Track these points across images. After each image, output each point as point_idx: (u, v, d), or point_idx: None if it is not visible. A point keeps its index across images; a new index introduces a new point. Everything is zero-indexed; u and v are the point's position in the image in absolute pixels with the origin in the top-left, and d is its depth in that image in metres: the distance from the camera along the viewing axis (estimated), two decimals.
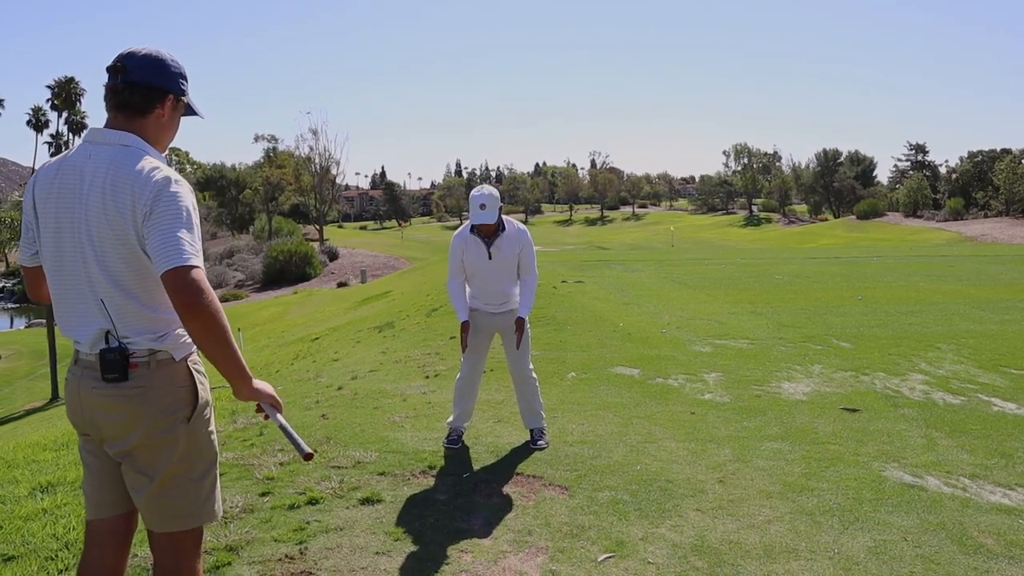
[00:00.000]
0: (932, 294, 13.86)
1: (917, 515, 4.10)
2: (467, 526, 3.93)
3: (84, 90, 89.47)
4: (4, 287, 63.25)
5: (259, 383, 2.31)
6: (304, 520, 3.92)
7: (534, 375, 5.25)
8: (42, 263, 2.34)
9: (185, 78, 2.38)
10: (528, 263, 5.09)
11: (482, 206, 4.85)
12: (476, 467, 4.79)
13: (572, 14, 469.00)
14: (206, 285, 2.08)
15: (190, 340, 2.28)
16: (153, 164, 2.20)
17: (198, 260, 2.10)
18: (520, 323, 5.08)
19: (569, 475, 4.63)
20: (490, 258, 4.98)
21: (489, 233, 4.97)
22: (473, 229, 5.00)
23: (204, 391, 2.33)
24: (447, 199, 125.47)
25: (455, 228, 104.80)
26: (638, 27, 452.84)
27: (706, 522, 3.99)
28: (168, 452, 2.25)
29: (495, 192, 4.95)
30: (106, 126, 2.29)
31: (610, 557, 3.58)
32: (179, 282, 2.04)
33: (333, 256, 58.80)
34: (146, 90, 2.28)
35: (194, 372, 2.30)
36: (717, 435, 5.53)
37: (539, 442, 5.14)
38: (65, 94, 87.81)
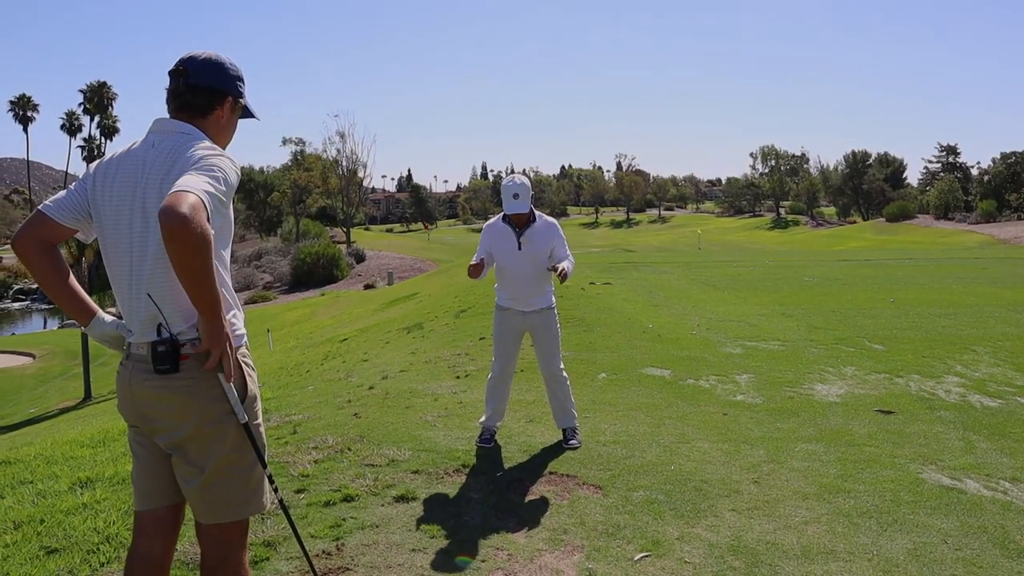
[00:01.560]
0: (966, 296, 13.67)
1: (957, 518, 4.05)
2: (502, 524, 3.94)
3: (116, 94, 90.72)
4: (38, 289, 64.22)
5: (226, 319, 2.20)
6: (340, 517, 3.95)
7: (565, 374, 5.24)
8: (103, 256, 2.36)
9: (243, 81, 2.47)
10: (563, 252, 5.10)
11: (515, 195, 4.88)
12: (509, 466, 4.80)
13: (599, 17, 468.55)
14: (197, 214, 1.95)
15: (241, 331, 2.32)
16: (209, 145, 2.26)
17: (202, 194, 2.02)
18: (559, 268, 4.87)
19: (603, 475, 4.62)
20: (519, 248, 4.99)
21: (520, 223, 4.99)
22: (505, 219, 5.03)
23: (253, 384, 2.37)
24: (473, 202, 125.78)
25: (481, 231, 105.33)
26: (664, 29, 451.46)
27: (742, 522, 3.96)
28: (218, 443, 2.27)
29: (527, 181, 4.98)
30: None
31: (646, 556, 3.56)
32: (166, 205, 1.94)
33: (360, 258, 59.09)
34: (206, 92, 2.36)
35: (243, 364, 2.33)
36: (750, 436, 5.49)
37: (571, 441, 5.13)
38: (98, 98, 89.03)
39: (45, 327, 51.10)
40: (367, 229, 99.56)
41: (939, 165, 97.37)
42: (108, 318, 2.41)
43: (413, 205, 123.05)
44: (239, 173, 2.27)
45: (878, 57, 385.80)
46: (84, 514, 4.30)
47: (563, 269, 4.88)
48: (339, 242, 63.25)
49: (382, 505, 4.13)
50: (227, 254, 2.33)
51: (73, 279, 2.37)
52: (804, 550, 3.64)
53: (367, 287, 46.39)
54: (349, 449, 5.05)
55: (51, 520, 4.23)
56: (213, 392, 2.26)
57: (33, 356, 34.43)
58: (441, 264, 49.83)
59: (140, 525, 2.42)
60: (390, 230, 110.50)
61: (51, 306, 59.27)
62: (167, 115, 2.37)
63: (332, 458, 4.87)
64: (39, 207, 2.34)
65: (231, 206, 2.25)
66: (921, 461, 4.97)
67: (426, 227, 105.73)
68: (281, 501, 2.62)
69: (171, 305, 2.23)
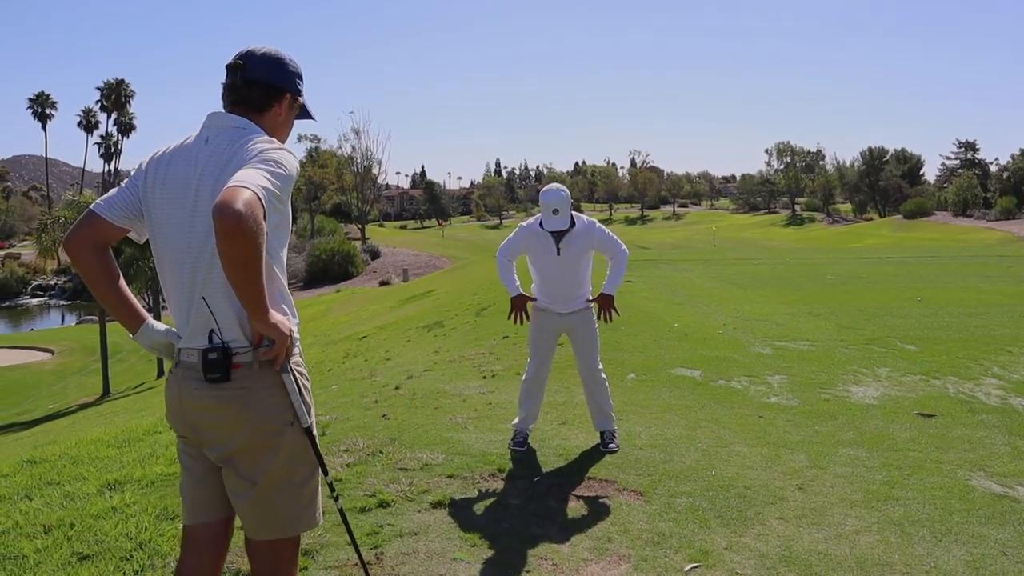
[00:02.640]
0: (995, 295, 13.45)
1: (1013, 528, 3.91)
2: (543, 532, 3.83)
3: (133, 92, 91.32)
4: (56, 284, 64.70)
5: (276, 316, 2.11)
6: (377, 524, 3.85)
7: (603, 375, 5.12)
8: (155, 257, 2.27)
9: (302, 79, 2.36)
10: (610, 245, 5.01)
11: (555, 211, 4.75)
12: (546, 470, 4.69)
13: (612, 13, 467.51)
14: (252, 210, 1.84)
15: (295, 337, 2.21)
16: (268, 138, 2.17)
17: (259, 190, 1.90)
18: (606, 300, 5.01)
19: (642, 480, 4.50)
20: (558, 253, 4.87)
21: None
22: (542, 224, 4.89)
23: (307, 393, 2.26)
24: (487, 198, 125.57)
25: (495, 227, 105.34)
26: (677, 25, 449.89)
27: (791, 531, 3.84)
28: (271, 456, 2.17)
29: (566, 192, 4.84)
30: None
31: (696, 567, 3.45)
32: (220, 201, 1.83)
33: (375, 255, 59.19)
34: (264, 88, 2.26)
35: (297, 374, 2.22)
36: (789, 440, 5.36)
37: (610, 445, 5.01)
38: (115, 96, 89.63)
39: (63, 323, 51.43)
40: (381, 226, 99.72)
41: (957, 161, 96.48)
42: (159, 325, 2.30)
43: (427, 202, 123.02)
44: (299, 167, 2.16)
45: (895, 53, 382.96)
46: (115, 518, 4.22)
47: (611, 304, 5.02)
48: (354, 239, 63.38)
49: (419, 511, 4.03)
50: (284, 255, 2.21)
51: (123, 283, 2.26)
52: (858, 561, 3.52)
53: (382, 284, 46.41)
54: (381, 452, 4.96)
55: (81, 524, 4.16)
56: (267, 402, 2.15)
57: (52, 352, 34.66)
58: (456, 261, 49.76)
59: (189, 539, 2.32)
60: (404, 227, 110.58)
61: (69, 302, 59.65)
62: (220, 110, 2.27)
63: (364, 461, 4.77)
64: (90, 206, 2.24)
65: (289, 203, 2.12)
66: (968, 467, 4.82)
67: (440, 224, 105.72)
68: (342, 511, 2.53)
69: (226, 310, 2.12)
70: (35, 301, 62.45)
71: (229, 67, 2.26)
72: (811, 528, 3.88)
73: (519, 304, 5.05)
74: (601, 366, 5.13)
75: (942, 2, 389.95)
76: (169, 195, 2.18)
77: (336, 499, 2.51)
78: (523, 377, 5.19)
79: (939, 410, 6.15)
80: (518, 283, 5.09)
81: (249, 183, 1.90)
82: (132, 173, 2.30)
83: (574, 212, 4.93)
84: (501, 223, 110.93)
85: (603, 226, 5.03)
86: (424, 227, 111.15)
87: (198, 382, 2.15)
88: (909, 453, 5.09)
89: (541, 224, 4.88)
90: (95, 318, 33.93)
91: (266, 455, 2.16)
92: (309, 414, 2.26)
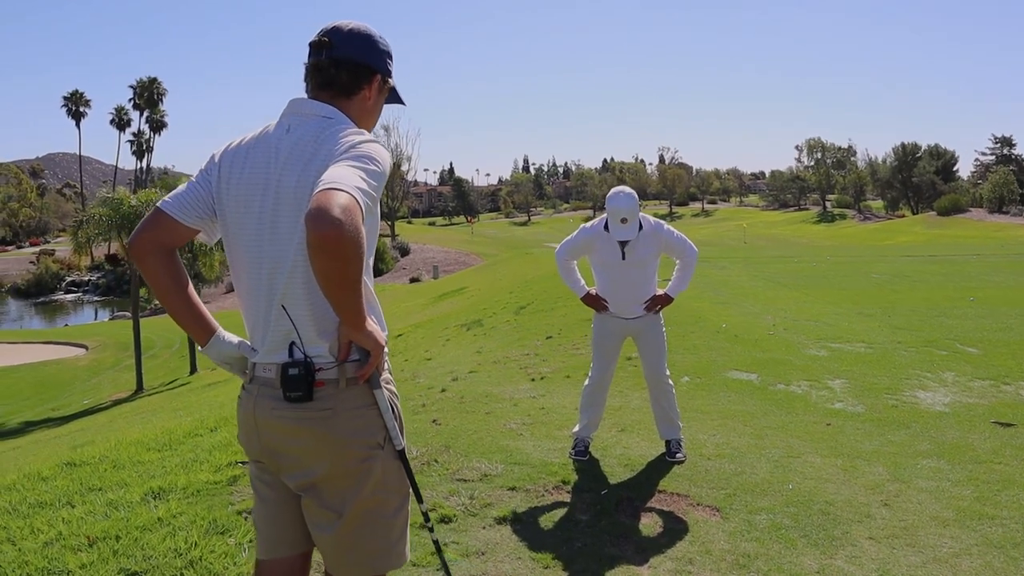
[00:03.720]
0: None
1: None
2: (619, 552, 3.58)
3: (166, 90, 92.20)
4: (90, 281, 65.43)
5: (372, 326, 1.89)
6: (441, 542, 3.60)
7: (670, 382, 4.86)
8: (228, 259, 2.04)
9: (392, 57, 2.09)
10: (679, 245, 4.75)
11: (623, 220, 4.48)
12: (612, 482, 4.43)
13: (641, 9, 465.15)
14: (352, 217, 1.59)
15: (386, 351, 1.97)
16: (358, 130, 1.92)
17: (356, 192, 1.66)
18: (664, 300, 4.77)
19: (716, 494, 4.24)
20: (624, 258, 4.61)
21: None
22: (607, 225, 4.63)
23: (398, 413, 2.02)
24: (515, 195, 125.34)
25: (523, 224, 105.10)
26: (707, 21, 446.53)
27: (884, 553, 3.56)
28: (359, 484, 1.92)
29: (634, 198, 4.54)
30: None
31: None
32: (316, 206, 1.59)
33: (404, 252, 59.17)
34: (353, 67, 1.99)
35: (387, 391, 1.99)
36: (863, 450, 5.07)
37: (677, 455, 4.75)
38: (147, 94, 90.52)
39: (96, 318, 51.91)
40: (409, 222, 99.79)
41: (993, 157, 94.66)
42: (231, 337, 2.05)
43: (455, 199, 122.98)
44: (391, 162, 1.91)
45: (929, 48, 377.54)
46: (161, 531, 4.03)
47: (660, 303, 4.79)
48: (383, 235, 63.39)
49: (484, 528, 3.79)
50: (371, 261, 1.96)
51: (192, 291, 2.01)
52: None
53: (412, 280, 46.37)
54: (436, 461, 4.73)
55: (127, 537, 3.97)
56: (354, 424, 1.91)
57: (86, 347, 34.91)
58: (486, 258, 49.56)
59: (264, 575, 2.09)
60: (432, 223, 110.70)
61: (102, 298, 60.28)
62: (304, 95, 2.02)
63: (420, 471, 4.54)
64: (158, 204, 1.98)
65: (379, 202, 1.87)
66: None
67: (469, 220, 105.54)
68: (436, 542, 2.30)
69: (308, 321, 1.88)
70: (69, 297, 63.22)
71: (313, 45, 2.00)
72: (906, 550, 3.60)
73: (593, 302, 4.82)
74: (668, 372, 4.87)
75: None
76: (246, 192, 1.94)
77: (431, 530, 2.27)
78: (585, 382, 4.95)
79: (1018, 419, 5.81)
80: (583, 282, 4.85)
81: (345, 184, 1.64)
82: (203, 166, 2.05)
83: (641, 215, 4.64)
84: (529, 220, 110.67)
85: (671, 226, 4.76)
86: (452, 224, 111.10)
87: (276, 401, 1.91)
88: (995, 466, 4.77)
89: (606, 227, 4.61)
90: (128, 314, 34.18)
91: (354, 483, 1.92)
92: (402, 434, 2.02)
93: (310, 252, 1.60)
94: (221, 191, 1.98)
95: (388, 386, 2.01)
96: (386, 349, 1.97)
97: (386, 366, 2.01)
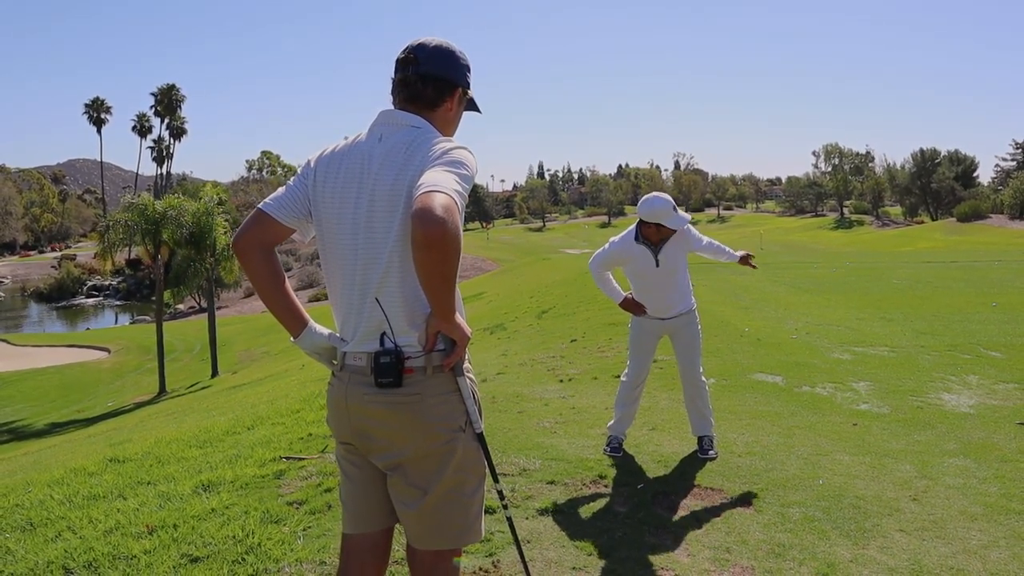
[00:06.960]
0: None
1: None
2: (658, 541, 3.73)
3: (184, 96, 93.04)
4: (111, 285, 66.13)
5: (460, 318, 2.06)
6: (488, 531, 3.77)
7: (704, 379, 5.01)
8: (321, 256, 2.22)
9: (470, 70, 2.28)
10: (697, 241, 4.94)
11: (659, 227, 4.67)
12: (648, 477, 4.58)
13: (655, 15, 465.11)
14: (453, 217, 1.78)
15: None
16: (447, 138, 2.10)
17: (454, 194, 1.84)
18: (748, 257, 5.12)
19: (749, 488, 4.37)
20: (658, 265, 4.77)
21: (655, 240, 4.76)
22: (638, 237, 4.79)
23: (478, 399, 2.20)
24: (530, 201, 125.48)
25: (538, 230, 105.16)
26: (722, 27, 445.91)
27: (915, 544, 3.69)
28: (443, 464, 2.10)
29: (669, 202, 4.70)
30: None
31: None
32: (421, 207, 1.76)
33: None
34: (437, 82, 2.18)
35: (468, 379, 2.16)
36: (890, 449, 5.19)
37: (709, 452, 4.89)
38: (168, 100, 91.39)
39: (116, 323, 52.49)
40: None
41: (1014, 163, 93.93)
42: (321, 329, 2.24)
43: (470, 204, 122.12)
44: (478, 166, 2.10)
45: (948, 53, 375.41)
46: (216, 520, 4.21)
47: (747, 256, 5.15)
48: None
49: (527, 518, 3.95)
50: None
51: (288, 286, 2.20)
52: None
53: None
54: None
55: (184, 526, 4.14)
56: (440, 409, 2.08)
57: (108, 351, 35.38)
58: (503, 264, 49.77)
59: (351, 549, 2.26)
60: None
61: (123, 302, 60.89)
62: (391, 107, 2.20)
63: None
64: (259, 205, 2.18)
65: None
66: None
67: (484, 226, 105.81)
68: (510, 519, 2.47)
69: (400, 312, 2.06)
70: (90, 301, 63.93)
71: (400, 61, 2.19)
72: (936, 542, 3.72)
73: (631, 307, 4.98)
74: (703, 370, 5.02)
75: (996, 2, 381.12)
76: (341, 194, 2.12)
77: (506, 507, 2.46)
78: (621, 379, 5.11)
79: None
80: (620, 288, 5.02)
81: (444, 187, 1.82)
82: (300, 170, 2.24)
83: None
84: (544, 225, 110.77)
85: (691, 227, 4.92)
86: (467, 230, 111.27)
87: (367, 387, 2.09)
88: (1021, 464, 4.88)
89: (637, 238, 4.78)
90: (148, 318, 34.57)
91: (438, 463, 2.09)
92: (481, 418, 2.19)
93: (415, 248, 1.78)
94: (317, 193, 2.16)
95: (469, 374, 2.18)
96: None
97: (467, 356, 2.18)
